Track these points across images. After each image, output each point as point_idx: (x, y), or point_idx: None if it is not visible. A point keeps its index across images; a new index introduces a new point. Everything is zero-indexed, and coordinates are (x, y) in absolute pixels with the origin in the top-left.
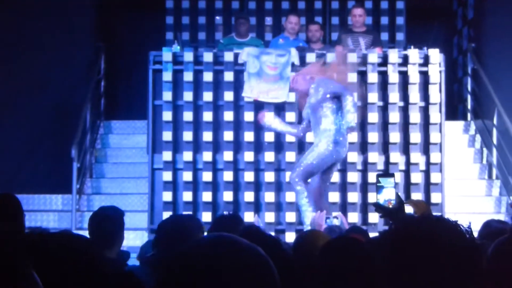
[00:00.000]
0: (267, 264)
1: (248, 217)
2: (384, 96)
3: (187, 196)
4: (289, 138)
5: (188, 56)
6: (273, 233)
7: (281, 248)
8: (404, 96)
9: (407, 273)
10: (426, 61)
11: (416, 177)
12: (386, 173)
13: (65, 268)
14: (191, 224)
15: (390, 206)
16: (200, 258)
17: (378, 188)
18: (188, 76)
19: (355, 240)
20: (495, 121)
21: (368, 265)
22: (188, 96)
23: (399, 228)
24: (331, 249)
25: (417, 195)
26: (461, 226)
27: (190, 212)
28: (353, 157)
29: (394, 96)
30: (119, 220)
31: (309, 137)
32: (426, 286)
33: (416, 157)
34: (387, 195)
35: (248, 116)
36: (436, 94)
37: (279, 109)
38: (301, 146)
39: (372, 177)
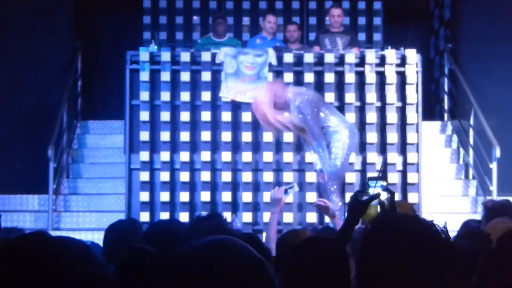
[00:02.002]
0: (263, 266)
1: (226, 217)
2: (361, 96)
3: (164, 196)
4: (267, 138)
5: (165, 56)
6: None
7: (257, 244)
8: (381, 96)
9: (378, 269)
10: (403, 61)
11: (393, 177)
12: (377, 176)
13: (42, 270)
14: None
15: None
16: (197, 262)
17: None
18: (165, 76)
19: (326, 239)
20: (471, 122)
21: (339, 263)
22: (165, 96)
23: (372, 226)
24: (301, 248)
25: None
26: (437, 226)
27: (168, 213)
28: None
29: (371, 96)
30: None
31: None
32: (398, 282)
33: (393, 157)
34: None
35: (226, 116)
36: (413, 95)
37: None
38: (279, 146)
39: (349, 177)
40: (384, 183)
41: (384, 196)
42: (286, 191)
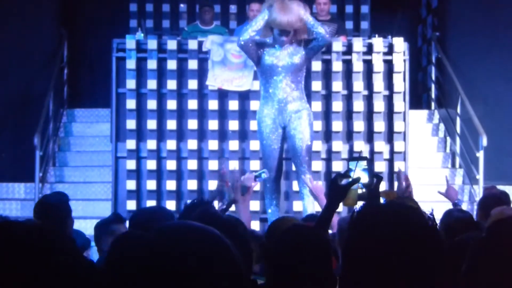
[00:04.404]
0: (228, 250)
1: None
2: (348, 84)
3: (151, 184)
4: (253, 127)
5: (152, 44)
6: None
7: (237, 231)
8: (368, 85)
9: (365, 257)
10: (390, 49)
11: (380, 166)
12: (358, 156)
13: (32, 258)
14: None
15: (360, 192)
16: (160, 247)
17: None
18: (151, 64)
19: (305, 226)
20: (458, 110)
21: (318, 250)
22: (152, 84)
23: (358, 215)
24: (280, 237)
25: (381, 184)
26: (424, 213)
27: (154, 201)
28: (317, 146)
29: (358, 84)
30: (65, 206)
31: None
32: (385, 270)
33: (380, 145)
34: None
35: (212, 104)
36: (400, 83)
37: (243, 97)
38: None
39: (336, 165)
40: (365, 164)
41: (365, 179)
42: (255, 178)
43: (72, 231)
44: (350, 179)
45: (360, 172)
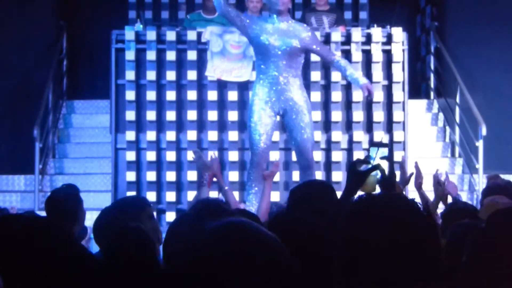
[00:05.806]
0: (284, 255)
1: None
2: None
3: (151, 175)
4: None
5: (151, 35)
6: None
7: None
8: (367, 75)
9: (359, 246)
10: (389, 39)
11: None
12: (379, 143)
13: (32, 251)
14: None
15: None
16: (213, 248)
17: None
18: (151, 55)
19: (298, 217)
20: (457, 100)
21: (314, 241)
22: (151, 75)
23: (352, 205)
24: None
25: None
26: (418, 204)
27: (154, 192)
28: (317, 136)
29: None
30: (75, 198)
31: None
32: (381, 264)
33: (379, 135)
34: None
35: (212, 95)
36: (399, 73)
37: (242, 88)
38: None
39: (335, 155)
40: (386, 151)
41: (384, 164)
42: None
43: (83, 224)
44: (370, 166)
45: (380, 159)
